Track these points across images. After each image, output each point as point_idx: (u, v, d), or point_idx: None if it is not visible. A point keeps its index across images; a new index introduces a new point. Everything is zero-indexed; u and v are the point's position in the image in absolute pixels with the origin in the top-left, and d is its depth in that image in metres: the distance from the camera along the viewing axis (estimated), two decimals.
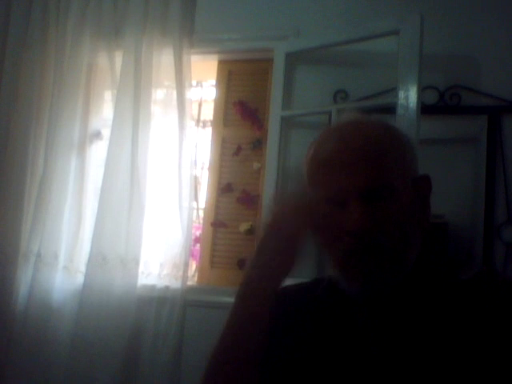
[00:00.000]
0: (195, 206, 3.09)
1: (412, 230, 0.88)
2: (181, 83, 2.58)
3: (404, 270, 0.87)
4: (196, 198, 3.22)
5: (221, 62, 2.77)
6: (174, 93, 2.58)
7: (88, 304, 2.46)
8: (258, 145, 2.65)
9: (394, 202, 0.85)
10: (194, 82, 3.17)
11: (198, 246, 2.84)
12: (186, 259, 2.52)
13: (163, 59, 2.62)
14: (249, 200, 2.62)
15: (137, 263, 2.49)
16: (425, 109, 2.16)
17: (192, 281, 2.80)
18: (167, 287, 2.50)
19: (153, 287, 2.52)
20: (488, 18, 2.31)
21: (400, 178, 0.87)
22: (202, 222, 2.80)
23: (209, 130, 2.92)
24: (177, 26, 2.59)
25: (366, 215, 0.83)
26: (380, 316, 0.89)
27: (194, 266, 2.94)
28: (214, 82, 2.86)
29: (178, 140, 2.56)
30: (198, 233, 2.93)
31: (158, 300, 2.50)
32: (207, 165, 2.81)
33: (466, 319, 0.85)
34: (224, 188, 2.68)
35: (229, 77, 2.76)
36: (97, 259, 2.48)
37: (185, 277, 2.51)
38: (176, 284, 2.49)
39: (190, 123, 2.63)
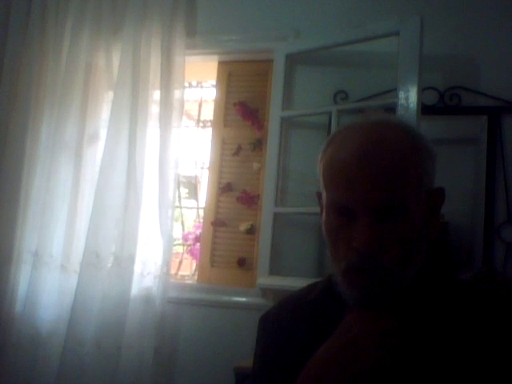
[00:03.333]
0: (195, 206, 3.10)
1: (418, 246, 0.87)
2: (168, 83, 2.57)
3: (404, 284, 0.87)
4: (196, 198, 3.23)
5: (221, 63, 2.78)
6: (166, 93, 2.57)
7: (82, 302, 2.45)
8: (258, 145, 2.66)
9: (405, 221, 0.84)
10: (194, 83, 3.18)
11: (198, 244, 2.85)
12: (167, 257, 2.51)
13: (159, 60, 2.62)
14: (249, 200, 2.63)
15: (132, 261, 2.49)
16: (425, 109, 2.17)
17: (192, 280, 2.80)
18: (159, 286, 2.49)
19: (148, 287, 2.51)
20: (488, 18, 2.32)
21: (415, 196, 0.85)
22: (202, 221, 2.80)
23: (209, 131, 2.92)
24: (169, 26, 2.59)
25: (374, 237, 0.82)
26: None
27: (194, 264, 2.95)
28: (214, 82, 2.86)
29: (160, 140, 2.55)
30: (198, 232, 2.94)
31: (151, 299, 2.49)
32: (207, 165, 2.81)
33: (465, 323, 0.85)
34: (224, 188, 2.68)
35: (229, 77, 2.76)
36: (91, 257, 2.48)
37: (167, 275, 2.51)
38: (164, 283, 2.49)
39: (178, 123, 2.60)
